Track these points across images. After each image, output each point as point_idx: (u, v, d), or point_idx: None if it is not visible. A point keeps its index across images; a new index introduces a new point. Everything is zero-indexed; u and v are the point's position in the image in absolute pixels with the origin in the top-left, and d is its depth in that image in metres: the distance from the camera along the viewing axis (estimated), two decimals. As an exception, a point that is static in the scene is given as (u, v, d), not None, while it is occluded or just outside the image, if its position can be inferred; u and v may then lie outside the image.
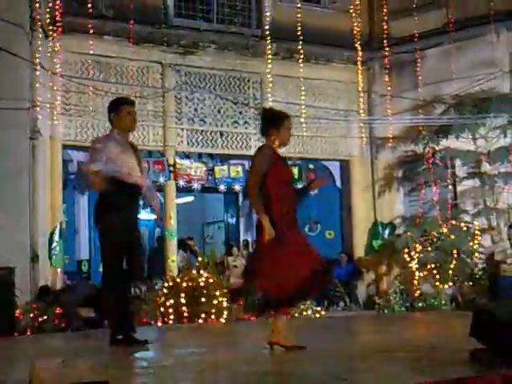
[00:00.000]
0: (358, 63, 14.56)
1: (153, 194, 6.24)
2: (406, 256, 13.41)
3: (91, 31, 12.30)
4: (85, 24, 12.30)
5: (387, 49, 14.51)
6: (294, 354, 5.08)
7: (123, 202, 5.75)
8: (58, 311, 10.16)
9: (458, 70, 13.54)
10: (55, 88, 12.13)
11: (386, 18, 14.64)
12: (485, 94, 13.36)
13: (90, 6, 12.22)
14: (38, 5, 11.24)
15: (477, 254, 12.89)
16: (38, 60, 11.16)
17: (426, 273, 13.17)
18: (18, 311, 9.64)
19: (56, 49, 12.04)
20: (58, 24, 11.94)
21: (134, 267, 5.85)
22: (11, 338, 8.49)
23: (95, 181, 5.73)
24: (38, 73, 11.19)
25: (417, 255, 13.27)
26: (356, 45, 14.44)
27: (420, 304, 12.68)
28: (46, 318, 10.00)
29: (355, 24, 14.50)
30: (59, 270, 11.76)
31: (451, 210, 13.64)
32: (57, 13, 11.93)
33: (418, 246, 13.32)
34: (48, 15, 11.76)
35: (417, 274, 13.20)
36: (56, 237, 11.62)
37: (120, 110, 5.98)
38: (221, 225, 17.62)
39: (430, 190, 13.91)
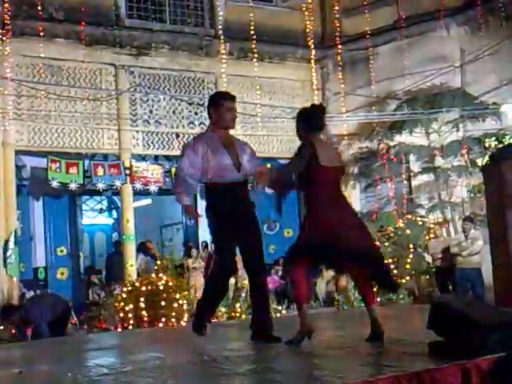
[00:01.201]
0: (312, 61, 14.68)
1: (259, 177, 6.02)
2: (364, 252, 13.50)
3: (42, 34, 12.14)
4: (35, 27, 12.14)
5: (340, 46, 14.65)
6: (256, 353, 5.09)
7: (221, 205, 5.62)
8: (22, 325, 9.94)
9: (410, 65, 13.74)
10: (6, 92, 11.93)
11: (337, 15, 14.79)
12: (437, 88, 13.58)
13: (39, 8, 12.06)
14: (-15, 8, 11.04)
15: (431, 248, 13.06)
16: (-13, 64, 10.95)
17: (384, 268, 13.30)
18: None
19: (6, 52, 11.85)
20: (7, 27, 11.75)
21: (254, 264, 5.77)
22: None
23: (190, 212, 5.96)
24: (-13, 77, 10.98)
25: (375, 250, 13.38)
26: (309, 43, 14.56)
27: (378, 299, 12.78)
28: (1, 328, 9.83)
29: (308, 22, 14.61)
30: (15, 278, 11.56)
31: (407, 205, 13.82)
32: (6, 16, 11.73)
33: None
34: (-4, 19, 11.54)
35: (375, 269, 13.32)
36: (11, 244, 11.43)
37: (219, 105, 5.79)
38: (179, 227, 17.52)
39: (385, 186, 14.08)
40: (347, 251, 5.09)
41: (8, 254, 11.32)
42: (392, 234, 13.54)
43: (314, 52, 14.68)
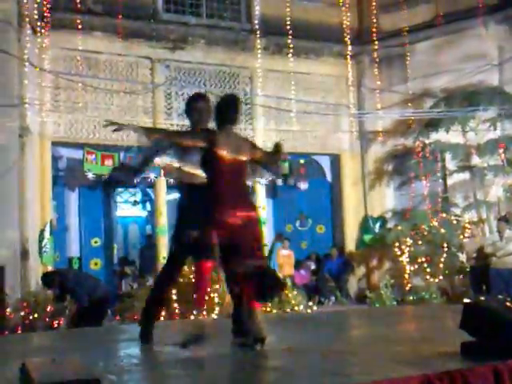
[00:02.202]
0: (348, 57, 14.60)
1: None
2: (396, 250, 13.46)
3: (80, 27, 12.29)
4: (73, 20, 12.27)
5: (377, 42, 14.55)
6: (284, 348, 5.09)
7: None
8: (49, 310, 10.10)
9: (448, 63, 13.58)
10: (44, 84, 12.09)
11: (375, 11, 14.67)
12: (474, 87, 13.40)
13: (78, 1, 12.20)
14: (25, 1, 11.17)
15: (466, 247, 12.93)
16: (26, 56, 11.10)
17: (416, 266, 13.23)
18: (8, 310, 9.60)
19: (44, 45, 12.01)
20: (46, 20, 11.90)
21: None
22: (1, 336, 8.45)
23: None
24: (26, 69, 11.13)
25: (407, 249, 13.32)
26: (346, 39, 14.47)
27: (411, 297, 12.72)
28: (36, 316, 9.97)
29: (345, 18, 14.53)
30: (50, 267, 11.72)
31: (441, 204, 13.68)
32: (45, 9, 11.88)
33: (408, 239, 13.37)
34: (36, 11, 11.69)
35: (407, 267, 13.26)
36: (46, 234, 11.58)
37: (187, 107, 5.84)
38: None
39: (420, 184, 13.95)
40: (234, 254, 5.00)
41: (43, 243, 11.48)
42: (425, 233, 13.43)
43: (350, 48, 14.60)
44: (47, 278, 9.85)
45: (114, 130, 5.11)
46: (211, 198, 5.09)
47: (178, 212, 5.67)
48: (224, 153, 5.09)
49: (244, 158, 5.23)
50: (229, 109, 5.28)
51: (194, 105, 5.73)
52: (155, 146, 5.50)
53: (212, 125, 5.48)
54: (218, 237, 4.97)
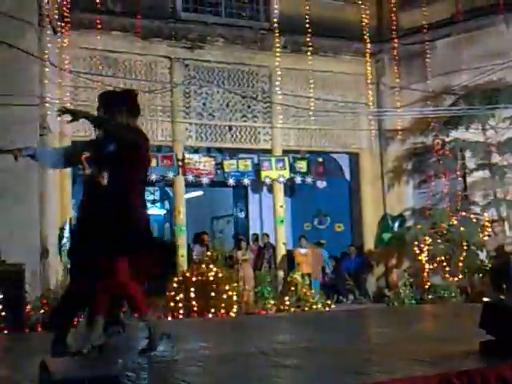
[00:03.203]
0: (367, 55, 14.55)
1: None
2: (415, 248, 13.39)
3: (99, 26, 12.36)
4: (93, 19, 12.34)
5: (396, 40, 14.48)
6: (304, 346, 5.09)
7: None
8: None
9: (468, 60, 13.49)
10: (64, 84, 12.17)
11: (394, 9, 14.60)
12: (494, 84, 13.29)
13: (97, 1, 12.27)
14: (46, 1, 11.25)
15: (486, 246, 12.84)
16: (46, 56, 11.18)
17: (435, 265, 13.16)
18: (28, 307, 9.67)
19: (64, 45, 12.09)
20: (66, 20, 11.99)
21: None
22: (21, 334, 8.53)
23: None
24: (46, 69, 11.20)
25: (426, 247, 13.25)
26: (365, 37, 14.42)
27: (430, 296, 12.66)
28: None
29: (363, 16, 14.47)
30: (69, 265, 11.77)
31: (461, 202, 13.60)
32: (65, 9, 11.97)
33: (427, 238, 13.30)
34: (56, 11, 11.78)
35: (426, 266, 13.19)
36: (66, 233, 11.64)
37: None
38: (230, 219, 17.63)
39: (439, 182, 13.88)
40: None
41: (63, 241, 11.55)
42: (445, 232, 13.36)
43: (369, 45, 14.55)
44: None
45: (71, 121, 4.65)
46: (124, 201, 4.79)
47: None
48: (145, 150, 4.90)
49: None
50: (136, 103, 5.02)
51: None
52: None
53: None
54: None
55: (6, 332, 8.62)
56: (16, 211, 10.19)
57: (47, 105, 11.22)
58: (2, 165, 9.21)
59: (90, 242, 4.81)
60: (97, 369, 3.45)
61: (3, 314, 8.89)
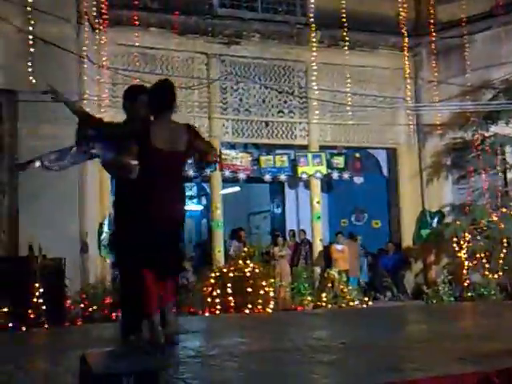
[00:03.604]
0: (405, 49, 14.41)
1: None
2: (454, 245, 13.24)
3: (137, 23, 12.45)
4: (130, 16, 12.45)
5: (434, 34, 14.31)
6: (340, 342, 5.06)
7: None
8: (107, 302, 10.29)
9: (507, 54, 13.29)
10: (102, 80, 12.29)
11: (432, 2, 14.42)
12: (535, 78, 13.06)
13: (134, -2, 12.36)
14: (84, -2, 11.38)
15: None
16: (85, 53, 11.30)
17: (475, 262, 12.99)
18: (68, 301, 9.82)
19: (102, 42, 12.21)
20: (103, 17, 12.11)
21: None
22: (62, 327, 8.66)
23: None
24: (85, 66, 11.33)
25: (466, 244, 13.08)
26: (402, 31, 14.28)
27: (469, 294, 12.50)
28: (95, 307, 10.17)
29: (401, 9, 14.33)
30: (108, 260, 11.93)
31: (501, 198, 13.41)
32: (103, 6, 12.09)
33: (467, 234, 13.13)
34: (94, 8, 11.90)
35: (466, 263, 13.03)
36: (105, 227, 11.77)
37: (134, 99, 5.66)
38: (266, 215, 17.64)
39: (479, 178, 13.69)
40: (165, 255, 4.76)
41: (102, 236, 11.68)
42: (485, 228, 13.18)
43: (406, 40, 14.39)
44: None
45: (52, 98, 5.00)
46: (142, 193, 4.74)
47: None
48: (158, 144, 4.74)
49: (181, 149, 4.83)
50: (163, 94, 4.91)
51: (146, 98, 5.37)
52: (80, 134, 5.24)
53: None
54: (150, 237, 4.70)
55: (46, 326, 8.76)
56: (56, 207, 10.34)
57: (85, 101, 11.34)
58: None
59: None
60: (136, 364, 3.49)
61: (44, 307, 9.03)
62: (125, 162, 4.81)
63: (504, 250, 12.80)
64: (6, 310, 8.76)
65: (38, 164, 5.35)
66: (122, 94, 5.52)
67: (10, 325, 8.67)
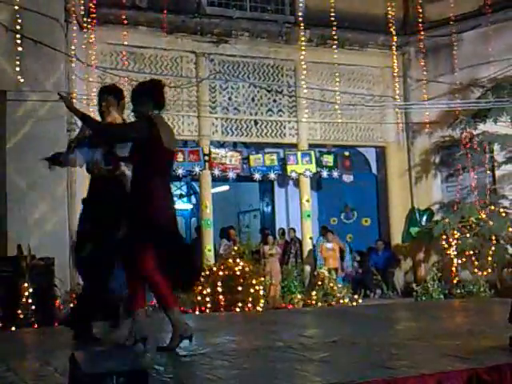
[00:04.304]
0: (393, 48, 14.45)
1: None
2: (443, 243, 13.29)
3: (125, 22, 12.41)
4: (119, 15, 12.42)
5: (422, 33, 14.35)
6: (331, 340, 5.07)
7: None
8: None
9: (496, 52, 13.32)
10: (91, 79, 12.24)
11: (420, 1, 14.46)
12: (523, 76, 13.11)
13: (123, -4, 12.33)
14: (72, -3, 11.33)
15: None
16: (73, 52, 11.26)
17: (464, 259, 13.05)
18: (58, 301, 9.78)
19: (90, 40, 12.17)
20: (92, 16, 12.06)
21: None
22: (51, 327, 8.62)
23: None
24: (73, 65, 11.29)
25: (455, 242, 13.13)
26: (391, 29, 14.32)
27: (458, 291, 12.55)
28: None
29: (390, 8, 14.37)
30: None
31: (490, 196, 13.46)
32: (91, 4, 12.04)
33: (456, 232, 13.18)
34: (82, 7, 11.85)
35: (455, 260, 13.08)
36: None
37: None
38: (256, 213, 17.64)
39: (467, 176, 13.75)
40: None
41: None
42: (473, 226, 13.22)
43: (395, 38, 14.43)
44: None
45: (61, 98, 5.11)
46: (145, 193, 4.82)
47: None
48: (168, 145, 4.88)
49: (175, 149, 5.08)
50: (160, 95, 4.99)
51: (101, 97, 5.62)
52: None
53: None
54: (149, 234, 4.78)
55: (35, 326, 8.72)
56: (44, 206, 10.31)
57: (74, 101, 11.30)
58: (30, 162, 9.34)
59: (108, 232, 4.87)
60: (125, 363, 3.48)
61: (33, 307, 8.99)
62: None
63: (493, 248, 12.85)
64: (-6, 310, 8.72)
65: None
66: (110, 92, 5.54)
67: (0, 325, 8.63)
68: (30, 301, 9.00)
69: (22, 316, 8.88)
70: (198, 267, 5.11)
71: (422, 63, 14.50)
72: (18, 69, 10.05)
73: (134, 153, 4.91)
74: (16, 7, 10.16)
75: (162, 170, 4.91)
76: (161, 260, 4.81)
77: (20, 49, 10.17)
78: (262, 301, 10.86)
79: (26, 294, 9.02)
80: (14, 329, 8.42)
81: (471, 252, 13.03)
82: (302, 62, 13.81)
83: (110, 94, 5.61)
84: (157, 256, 4.80)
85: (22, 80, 10.07)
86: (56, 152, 5.76)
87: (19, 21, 10.21)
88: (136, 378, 3.29)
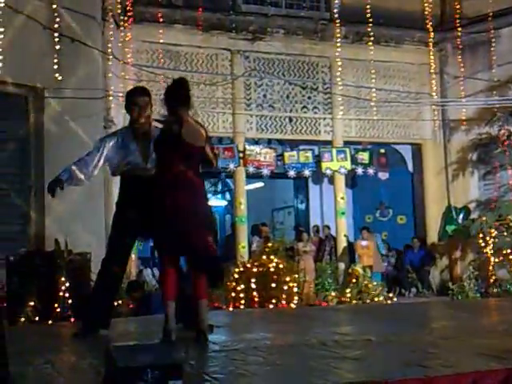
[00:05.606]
0: (430, 44, 14.32)
1: None
2: (480, 241, 13.14)
3: (161, 20, 12.51)
4: (155, 13, 12.51)
5: (460, 29, 14.20)
6: (365, 338, 5.05)
7: (123, 197, 5.75)
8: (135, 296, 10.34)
9: (535, 48, 13.12)
10: (127, 77, 12.36)
11: (458, -4, 14.30)
12: None
13: (159, -6, 12.42)
14: (109, -5, 11.45)
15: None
16: (110, 50, 11.37)
17: (501, 258, 12.88)
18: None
19: (127, 38, 12.28)
20: (128, 14, 12.17)
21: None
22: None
23: (51, 186, 5.77)
24: (110, 63, 11.40)
25: (492, 240, 12.98)
26: (427, 26, 14.18)
27: (495, 290, 12.40)
28: (120, 302, 10.22)
29: (426, 4, 14.22)
30: (133, 255, 11.98)
31: (528, 194, 13.27)
32: (127, 3, 12.15)
33: (493, 230, 13.03)
34: (119, 5, 11.96)
35: (492, 259, 12.92)
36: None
37: (126, 100, 5.85)
38: (290, 210, 17.63)
39: (505, 173, 13.56)
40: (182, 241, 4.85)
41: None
42: (511, 224, 13.05)
43: (432, 35, 14.30)
44: (130, 288, 10.24)
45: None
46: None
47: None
48: (190, 140, 4.93)
49: (202, 145, 5.04)
50: (177, 91, 5.11)
51: (134, 99, 5.64)
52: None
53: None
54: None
55: (72, 320, 8.83)
56: (82, 202, 10.41)
57: (111, 98, 11.42)
58: (67, 158, 9.45)
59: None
60: (160, 357, 3.51)
61: (70, 301, 9.10)
62: None
63: (531, 247, 12.69)
64: (32, 303, 8.84)
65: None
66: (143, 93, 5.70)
67: (37, 319, 8.76)
68: (66, 295, 9.12)
69: (58, 310, 9.00)
70: (220, 267, 5.11)
71: (459, 60, 14.34)
72: (55, 66, 10.17)
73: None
74: (54, 6, 10.29)
75: (193, 165, 4.97)
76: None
77: (58, 47, 10.29)
78: (296, 298, 10.85)
79: (63, 288, 9.14)
80: (50, 322, 8.54)
81: (508, 250, 12.86)
82: (338, 59, 13.77)
83: (147, 95, 5.72)
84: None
85: (59, 78, 10.19)
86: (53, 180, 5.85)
87: (57, 19, 10.34)
88: (170, 372, 3.32)
